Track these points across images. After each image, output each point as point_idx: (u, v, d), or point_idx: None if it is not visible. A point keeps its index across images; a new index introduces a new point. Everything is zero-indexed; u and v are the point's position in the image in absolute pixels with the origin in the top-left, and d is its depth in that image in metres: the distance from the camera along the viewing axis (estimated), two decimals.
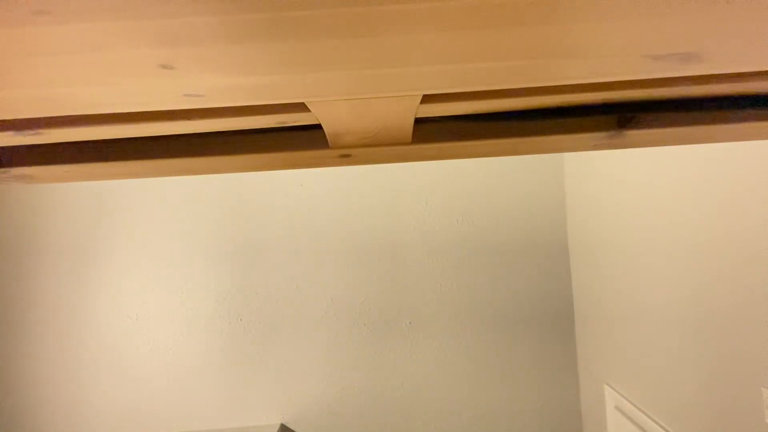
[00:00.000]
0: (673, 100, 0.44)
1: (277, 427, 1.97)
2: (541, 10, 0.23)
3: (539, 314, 2.04)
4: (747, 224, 0.99)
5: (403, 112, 0.39)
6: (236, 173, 2.09)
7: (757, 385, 0.98)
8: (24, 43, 0.24)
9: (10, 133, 0.39)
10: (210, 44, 0.25)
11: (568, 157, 2.04)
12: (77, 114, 0.36)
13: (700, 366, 1.18)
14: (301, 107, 0.39)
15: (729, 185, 1.04)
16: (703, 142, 0.49)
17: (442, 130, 0.48)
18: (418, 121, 0.46)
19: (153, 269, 2.06)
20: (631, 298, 1.51)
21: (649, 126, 0.46)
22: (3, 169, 0.48)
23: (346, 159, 0.49)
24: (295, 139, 0.48)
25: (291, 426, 2.01)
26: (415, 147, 0.48)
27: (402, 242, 2.06)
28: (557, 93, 0.40)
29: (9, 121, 0.39)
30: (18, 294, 2.04)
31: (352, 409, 2.02)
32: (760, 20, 0.25)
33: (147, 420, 2.00)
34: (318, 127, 0.47)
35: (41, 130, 0.39)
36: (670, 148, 1.27)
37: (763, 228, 0.95)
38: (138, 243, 2.06)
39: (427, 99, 0.38)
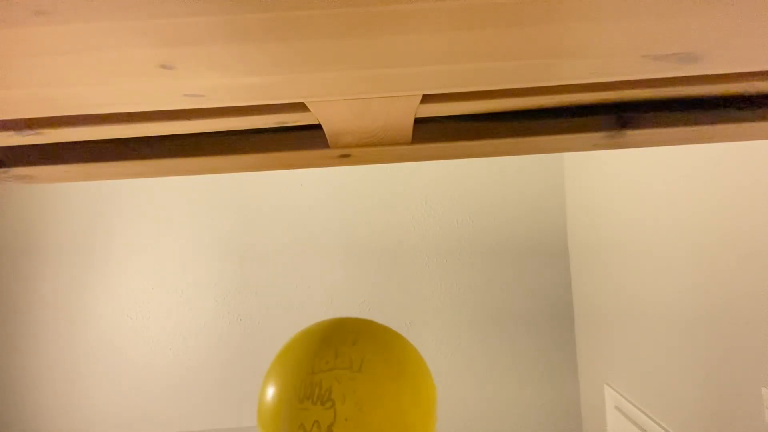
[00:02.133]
0: (673, 100, 0.44)
1: None
2: (541, 10, 0.23)
3: (539, 314, 2.04)
4: (747, 224, 0.99)
5: (403, 112, 0.39)
6: (236, 173, 2.09)
7: (757, 385, 0.98)
8: (24, 43, 0.24)
9: (10, 133, 0.39)
10: (210, 44, 0.25)
11: (568, 157, 2.04)
12: (77, 114, 0.36)
13: (700, 366, 1.18)
14: (301, 107, 0.39)
15: (729, 185, 1.04)
16: (703, 142, 0.49)
17: (442, 130, 0.48)
18: (418, 121, 0.46)
19: (153, 269, 2.06)
20: (630, 297, 1.51)
21: (649, 126, 0.46)
22: (3, 169, 0.48)
23: (346, 159, 0.49)
24: (295, 139, 0.48)
25: None
26: (415, 147, 0.48)
27: (402, 242, 2.06)
28: (557, 93, 0.40)
29: (9, 121, 0.39)
30: (17, 294, 2.04)
31: None
32: (760, 20, 0.25)
33: (147, 420, 2.00)
34: (318, 127, 0.47)
35: (41, 130, 0.39)
36: (670, 148, 1.27)
37: (763, 228, 0.95)
38: (138, 243, 2.06)
39: (427, 99, 0.38)
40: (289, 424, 0.52)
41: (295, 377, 0.56)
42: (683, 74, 0.31)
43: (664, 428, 1.34)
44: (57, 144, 0.48)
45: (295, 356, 0.58)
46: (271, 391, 0.57)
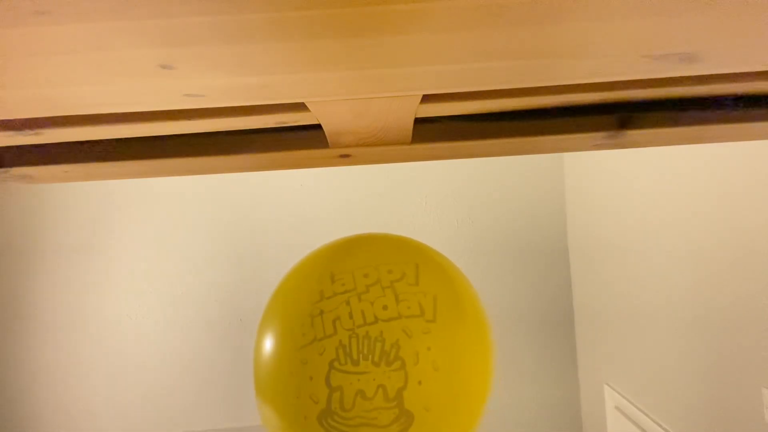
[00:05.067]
0: (673, 100, 0.44)
1: None
2: (541, 10, 0.23)
3: (539, 314, 2.04)
4: (747, 224, 0.99)
5: (403, 112, 0.39)
6: (236, 173, 2.09)
7: (757, 385, 0.98)
8: (24, 43, 0.24)
9: (10, 133, 0.39)
10: (210, 44, 0.25)
11: (568, 157, 2.04)
12: (77, 114, 0.36)
13: (700, 366, 1.18)
14: (301, 107, 0.39)
15: (729, 185, 1.04)
16: (703, 142, 0.49)
17: (442, 130, 0.48)
18: (418, 121, 0.46)
19: (152, 269, 2.05)
20: (630, 298, 1.51)
21: (649, 126, 0.46)
22: (3, 169, 0.48)
23: (345, 159, 0.49)
24: (295, 139, 0.48)
25: None
26: (415, 147, 0.48)
27: None
28: (557, 93, 0.40)
29: (9, 121, 0.39)
30: (17, 294, 2.04)
31: None
32: (760, 20, 0.25)
33: (146, 420, 2.00)
34: (318, 127, 0.47)
35: (41, 130, 0.39)
36: (670, 148, 1.27)
37: (763, 228, 0.95)
38: (137, 243, 2.06)
39: (427, 99, 0.38)
40: (339, 392, 0.38)
41: (341, 328, 0.40)
42: (683, 74, 0.31)
43: (664, 428, 1.34)
44: (57, 144, 0.47)
45: (336, 301, 0.42)
46: (297, 349, 0.41)
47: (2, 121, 0.38)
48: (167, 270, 2.06)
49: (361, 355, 0.39)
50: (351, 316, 0.41)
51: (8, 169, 0.48)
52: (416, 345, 0.40)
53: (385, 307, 0.41)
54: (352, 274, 0.44)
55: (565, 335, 2.03)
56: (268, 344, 0.46)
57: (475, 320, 0.46)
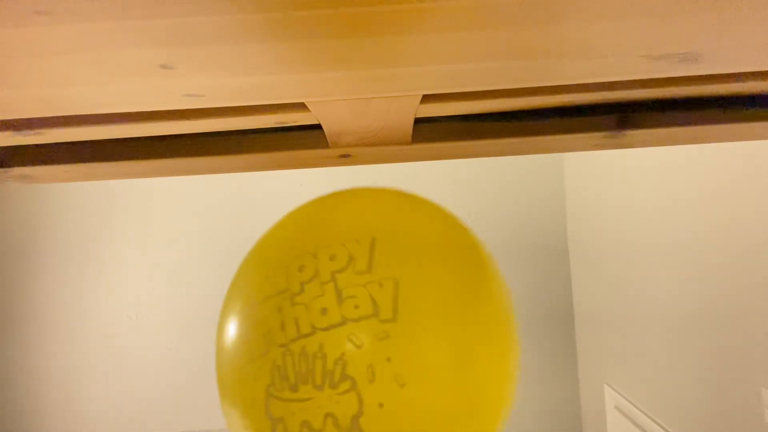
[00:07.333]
0: (673, 100, 0.44)
1: None
2: (541, 10, 0.23)
3: (539, 314, 2.04)
4: (747, 225, 0.99)
5: (403, 112, 0.39)
6: (236, 173, 2.09)
7: (757, 385, 0.98)
8: (24, 43, 0.24)
9: (10, 133, 0.39)
10: (210, 44, 0.25)
11: (568, 157, 2.03)
12: (77, 114, 0.36)
13: (699, 366, 1.18)
14: (301, 107, 0.39)
15: (729, 185, 1.04)
16: (703, 142, 0.49)
17: (442, 130, 0.48)
18: (418, 121, 0.46)
19: (152, 269, 2.05)
20: (630, 298, 1.51)
21: (649, 126, 0.46)
22: (3, 169, 0.48)
23: (345, 159, 0.49)
24: (295, 139, 0.48)
25: None
26: (415, 147, 0.48)
27: None
28: (557, 93, 0.40)
29: (9, 121, 0.39)
30: (17, 294, 2.04)
31: None
32: (760, 20, 0.25)
33: (147, 420, 2.00)
34: (318, 127, 0.47)
35: (41, 130, 0.39)
36: (670, 147, 1.27)
37: (763, 228, 0.95)
38: (137, 243, 2.06)
39: (427, 99, 0.38)
40: (282, 424, 0.29)
41: (272, 345, 0.30)
42: (683, 74, 0.31)
43: (664, 428, 1.34)
44: (57, 144, 0.47)
45: (262, 310, 0.31)
46: (236, 374, 0.32)
47: (2, 121, 0.38)
48: (167, 270, 2.06)
49: (299, 378, 0.30)
50: (283, 328, 0.32)
51: (8, 169, 0.48)
52: (369, 357, 0.30)
53: (324, 311, 0.31)
54: (286, 268, 0.34)
55: (565, 335, 2.03)
56: (217, 362, 0.41)
57: (476, 299, 0.34)
